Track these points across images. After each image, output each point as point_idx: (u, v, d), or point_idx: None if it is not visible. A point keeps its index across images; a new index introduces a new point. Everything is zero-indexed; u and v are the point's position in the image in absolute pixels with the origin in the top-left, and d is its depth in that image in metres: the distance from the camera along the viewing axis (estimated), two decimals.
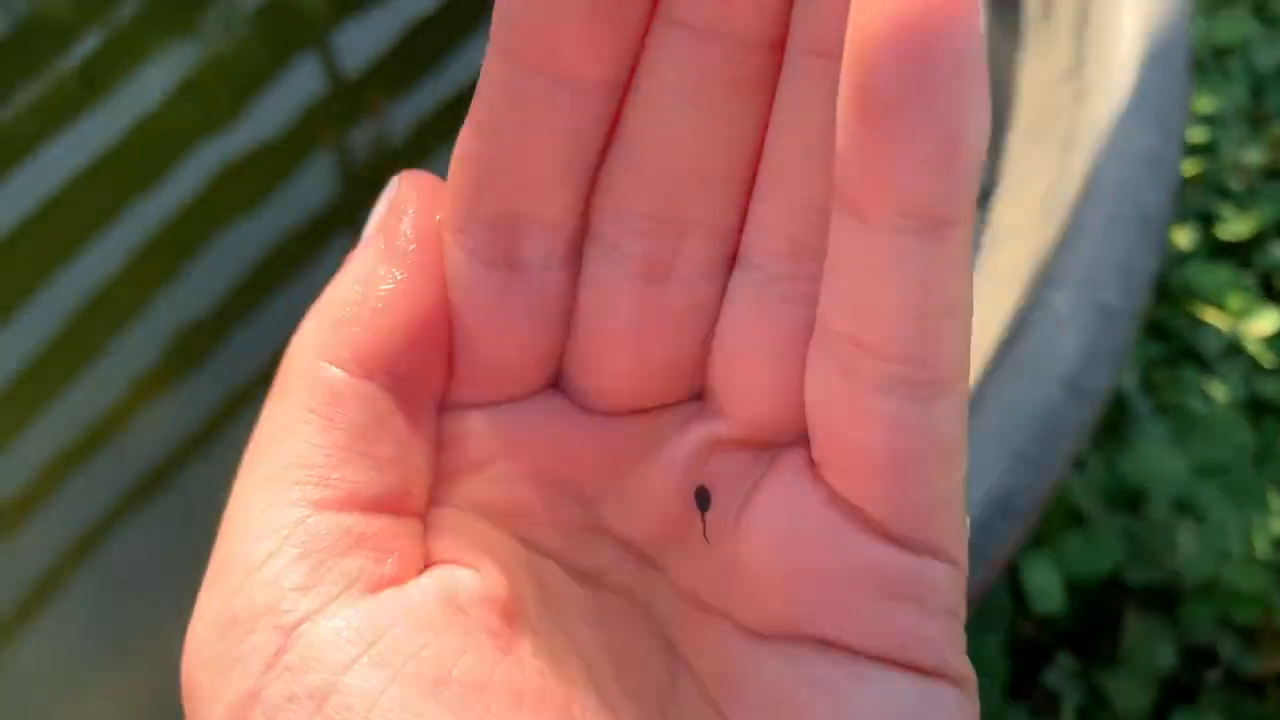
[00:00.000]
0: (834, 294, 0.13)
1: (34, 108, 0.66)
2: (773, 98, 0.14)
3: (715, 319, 0.15)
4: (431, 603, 0.14)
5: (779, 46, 0.14)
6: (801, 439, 0.15)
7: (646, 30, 0.14)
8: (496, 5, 0.14)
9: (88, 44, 0.67)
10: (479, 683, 0.13)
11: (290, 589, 0.13)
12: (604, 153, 0.15)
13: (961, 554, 0.15)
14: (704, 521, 0.15)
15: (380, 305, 0.15)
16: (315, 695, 0.13)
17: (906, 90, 0.11)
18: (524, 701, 0.14)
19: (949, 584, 0.14)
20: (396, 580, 0.14)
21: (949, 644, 0.14)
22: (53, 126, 0.64)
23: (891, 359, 0.13)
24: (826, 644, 0.14)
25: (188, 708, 0.14)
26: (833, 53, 0.12)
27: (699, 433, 0.16)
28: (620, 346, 0.15)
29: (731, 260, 0.15)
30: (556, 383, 0.16)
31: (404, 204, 0.15)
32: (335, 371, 0.15)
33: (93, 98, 0.66)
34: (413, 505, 0.15)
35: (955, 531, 0.14)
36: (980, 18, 0.11)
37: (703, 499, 0.15)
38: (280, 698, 0.13)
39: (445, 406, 0.16)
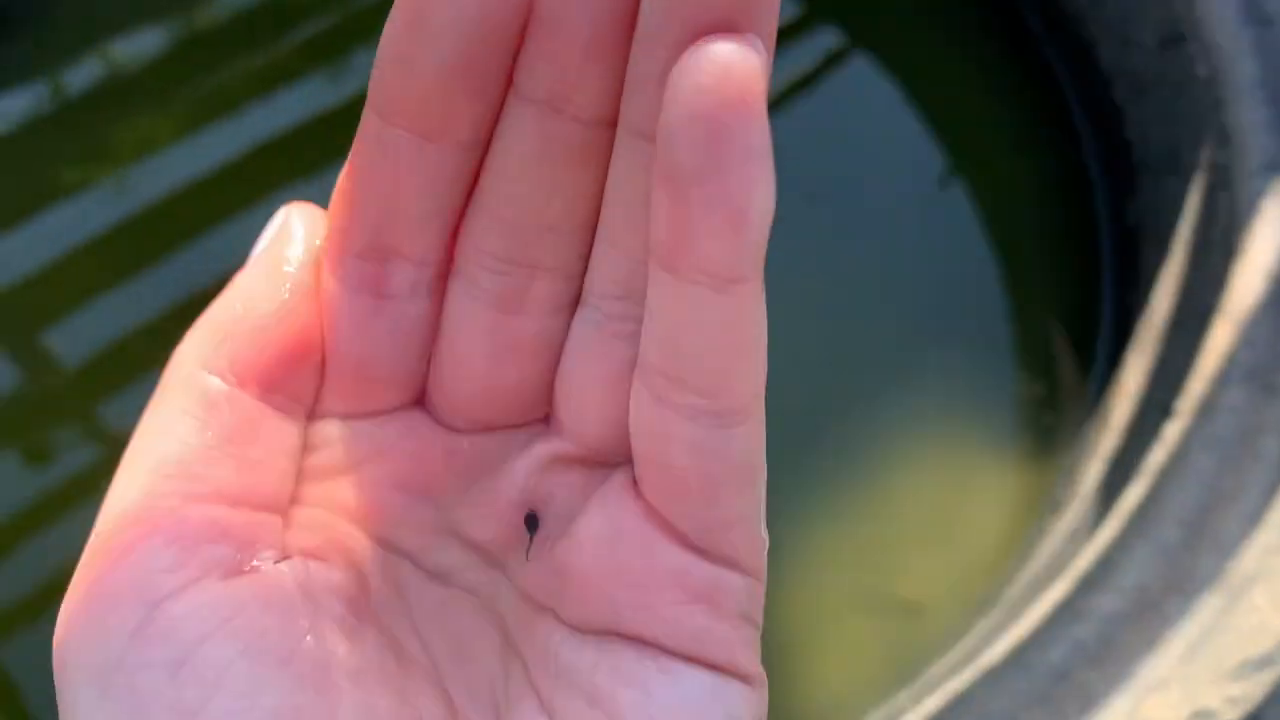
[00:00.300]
0: (650, 335, 0.15)
1: (252, 73, 0.68)
2: (608, 166, 0.16)
3: (560, 350, 0.17)
4: (283, 589, 0.16)
5: (612, 124, 0.16)
6: (630, 459, 0.17)
7: (502, 101, 0.16)
8: (373, 68, 0.16)
9: (318, 25, 0.70)
10: (321, 661, 0.15)
11: (157, 571, 0.15)
12: (467, 200, 0.17)
13: (756, 567, 0.17)
14: (530, 543, 0.17)
15: (259, 322, 0.17)
16: (171, 664, 0.15)
17: (701, 172, 0.13)
18: (361, 679, 0.16)
19: (743, 591, 0.16)
20: (255, 569, 0.16)
21: (740, 644, 0.16)
22: (268, 90, 0.68)
23: (695, 392, 0.15)
24: (636, 640, 0.16)
25: (57, 676, 0.16)
26: (652, 135, 0.14)
27: (542, 450, 0.18)
28: (475, 370, 0.17)
29: (576, 299, 0.17)
30: (420, 400, 0.18)
31: (289, 231, 0.17)
32: (213, 380, 0.16)
33: (305, 71, 0.68)
34: (276, 503, 0.17)
35: (751, 546, 0.16)
36: (764, 113, 0.13)
37: (531, 522, 0.17)
38: (139, 664, 0.15)
39: (315, 415, 0.17)
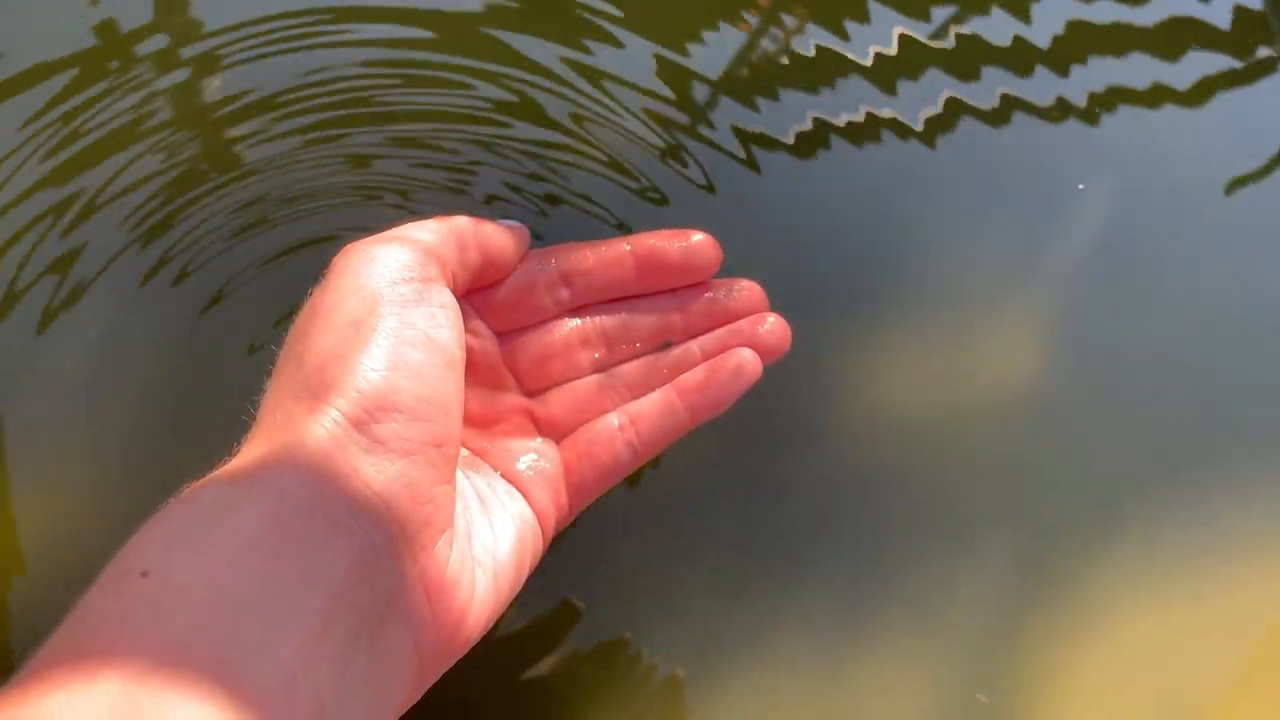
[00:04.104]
0: (640, 406, 0.33)
1: None
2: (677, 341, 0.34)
3: (578, 376, 0.34)
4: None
5: (693, 335, 0.34)
6: (555, 431, 0.34)
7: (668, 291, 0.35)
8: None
9: None
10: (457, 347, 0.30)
11: (400, 281, 0.29)
12: (613, 304, 0.34)
13: (576, 505, 0.33)
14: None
15: (491, 240, 0.32)
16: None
17: (728, 385, 0.33)
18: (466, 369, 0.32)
19: (567, 507, 0.33)
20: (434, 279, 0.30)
21: (542, 494, 0.32)
22: None
23: (637, 436, 0.33)
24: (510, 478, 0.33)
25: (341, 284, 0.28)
26: (706, 353, 0.34)
27: (525, 403, 0.34)
28: (544, 352, 0.34)
29: (607, 368, 0.34)
30: (502, 335, 0.34)
31: (523, 233, 0.33)
32: (459, 254, 0.31)
33: None
34: (454, 281, 0.31)
35: (583, 501, 0.33)
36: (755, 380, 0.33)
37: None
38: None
39: (468, 292, 0.33)
